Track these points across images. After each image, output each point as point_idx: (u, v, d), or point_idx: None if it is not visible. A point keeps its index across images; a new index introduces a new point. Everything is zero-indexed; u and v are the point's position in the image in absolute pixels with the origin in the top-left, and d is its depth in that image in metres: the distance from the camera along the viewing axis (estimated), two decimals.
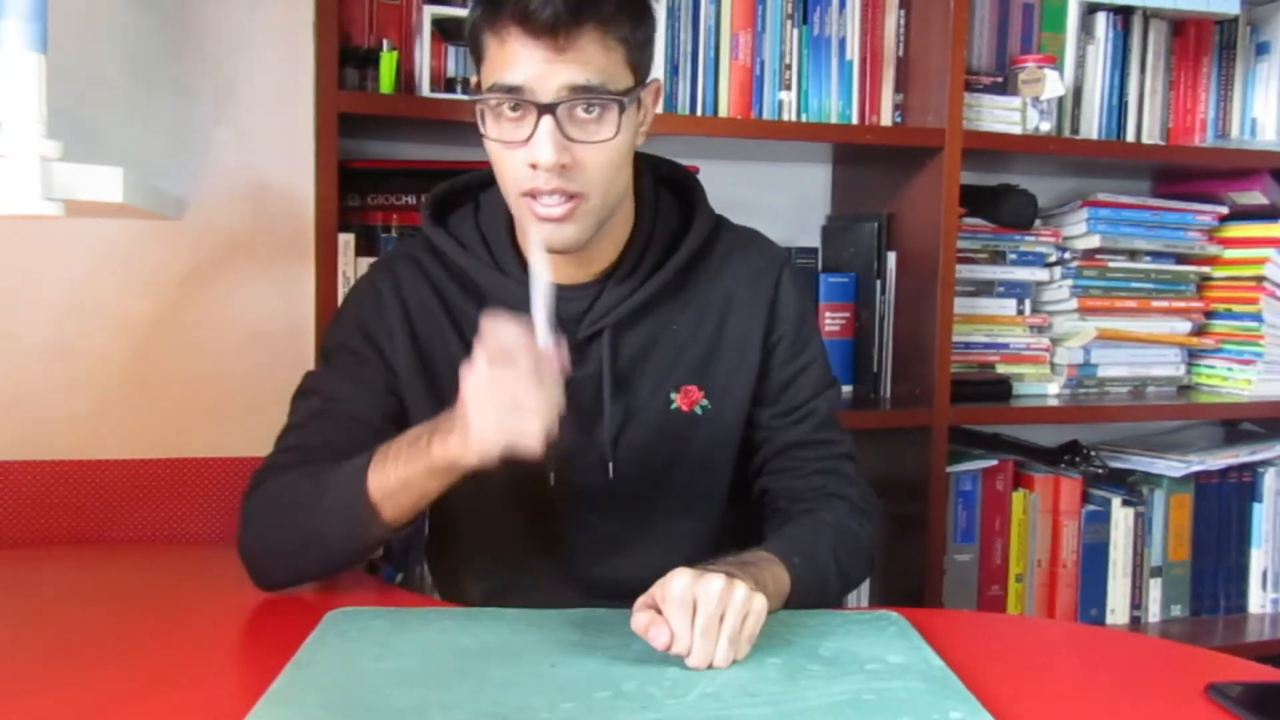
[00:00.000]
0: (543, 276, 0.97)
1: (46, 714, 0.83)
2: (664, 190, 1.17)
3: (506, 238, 1.13)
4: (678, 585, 0.89)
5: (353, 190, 1.57)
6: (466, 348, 1.11)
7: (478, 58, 1.04)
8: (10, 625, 1.06)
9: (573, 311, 1.11)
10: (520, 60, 0.98)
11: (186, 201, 1.52)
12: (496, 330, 0.92)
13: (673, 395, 1.15)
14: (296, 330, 1.57)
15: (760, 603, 0.92)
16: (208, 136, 1.57)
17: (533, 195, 1.02)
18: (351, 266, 1.53)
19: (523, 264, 1.11)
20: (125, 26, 1.52)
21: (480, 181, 1.17)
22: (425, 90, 1.55)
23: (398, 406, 1.15)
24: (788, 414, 1.18)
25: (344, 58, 1.49)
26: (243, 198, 1.58)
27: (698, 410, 1.15)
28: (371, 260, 1.54)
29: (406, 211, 1.61)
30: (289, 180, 1.58)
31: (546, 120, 0.98)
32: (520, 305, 1.08)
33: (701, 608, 0.89)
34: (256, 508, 1.10)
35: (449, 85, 1.59)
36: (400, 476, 1.00)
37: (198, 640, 1.00)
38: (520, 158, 1.01)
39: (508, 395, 0.90)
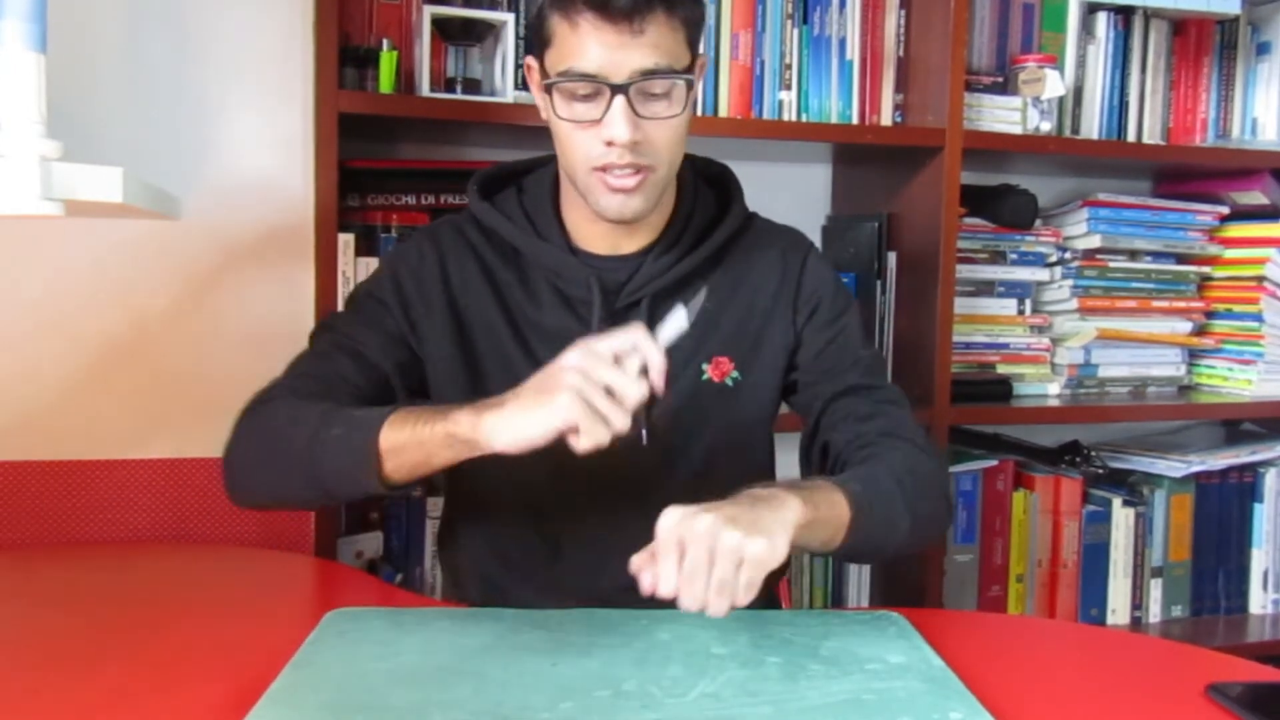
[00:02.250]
0: (679, 322, 0.97)
1: (46, 714, 0.84)
2: (703, 184, 1.24)
3: (552, 214, 1.18)
4: (664, 523, 0.86)
5: (353, 190, 1.57)
6: (504, 311, 1.17)
7: (542, 40, 1.08)
8: (10, 625, 1.06)
9: (614, 281, 1.16)
10: (594, 46, 1.03)
11: (186, 201, 1.52)
12: (611, 338, 0.93)
13: (704, 366, 1.19)
14: (296, 330, 1.55)
15: (756, 548, 0.84)
16: (208, 137, 1.57)
17: (605, 169, 1.07)
18: (351, 266, 1.53)
19: (565, 235, 1.18)
20: (125, 26, 1.52)
21: (523, 169, 1.24)
22: (425, 90, 1.55)
23: (410, 359, 1.17)
24: (832, 368, 1.20)
25: (344, 58, 1.49)
26: (243, 198, 1.58)
27: (728, 382, 1.19)
28: (371, 260, 1.54)
29: (406, 211, 1.61)
30: (289, 180, 1.58)
31: (620, 100, 1.04)
32: (559, 269, 1.15)
33: (689, 549, 0.84)
34: (256, 422, 1.09)
35: (449, 85, 1.59)
36: (416, 434, 0.97)
37: (198, 640, 1.00)
38: (593, 135, 1.06)
39: (606, 378, 0.90)
